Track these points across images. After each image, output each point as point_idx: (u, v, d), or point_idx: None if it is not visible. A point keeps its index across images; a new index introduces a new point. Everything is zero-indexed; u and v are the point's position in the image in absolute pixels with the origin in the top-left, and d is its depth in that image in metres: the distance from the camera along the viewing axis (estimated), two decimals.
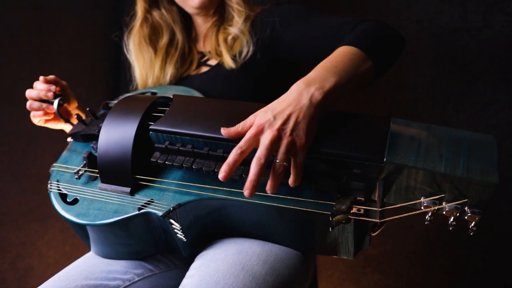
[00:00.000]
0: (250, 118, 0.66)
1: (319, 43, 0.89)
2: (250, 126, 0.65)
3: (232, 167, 0.63)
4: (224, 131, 0.68)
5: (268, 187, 0.64)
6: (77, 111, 1.00)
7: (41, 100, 0.93)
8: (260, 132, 0.63)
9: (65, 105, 0.97)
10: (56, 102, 0.91)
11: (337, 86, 0.67)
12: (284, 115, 0.63)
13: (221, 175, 0.63)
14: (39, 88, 0.92)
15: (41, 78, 0.93)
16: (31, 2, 1.30)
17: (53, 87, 0.92)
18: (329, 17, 0.91)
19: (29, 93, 0.93)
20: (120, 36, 1.14)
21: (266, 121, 0.63)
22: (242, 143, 0.64)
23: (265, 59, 0.99)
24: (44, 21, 1.34)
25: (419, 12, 1.30)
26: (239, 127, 0.67)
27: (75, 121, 0.96)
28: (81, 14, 1.44)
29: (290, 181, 0.65)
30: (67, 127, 1.00)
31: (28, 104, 0.94)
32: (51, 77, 0.94)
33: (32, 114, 0.95)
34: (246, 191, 0.63)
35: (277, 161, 0.63)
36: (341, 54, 0.74)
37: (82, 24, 1.44)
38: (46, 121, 0.97)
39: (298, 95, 0.65)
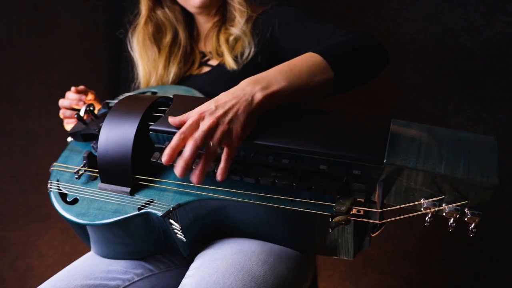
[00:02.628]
0: (196, 109, 0.69)
1: (309, 49, 0.90)
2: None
3: (175, 151, 0.66)
4: (171, 119, 0.71)
5: (193, 173, 0.67)
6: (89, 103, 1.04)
7: (73, 109, 1.01)
8: (200, 119, 0.66)
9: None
10: (83, 108, 0.92)
11: (284, 89, 0.69)
12: (226, 107, 0.66)
13: (164, 158, 0.66)
14: (71, 98, 1.02)
15: (73, 88, 1.03)
16: (31, 2, 1.30)
17: (83, 97, 1.02)
18: (324, 24, 0.91)
19: (62, 102, 1.02)
20: (124, 34, 1.14)
21: (208, 110, 0.67)
22: (184, 128, 0.67)
23: (266, 60, 1.00)
24: (44, 21, 1.34)
25: (419, 12, 1.30)
26: (183, 116, 0.70)
27: None
28: (81, 14, 1.44)
29: (218, 171, 0.68)
30: None
31: (61, 112, 1.02)
32: (81, 87, 1.04)
33: (65, 121, 1.05)
34: (176, 169, 0.65)
35: (211, 143, 0.65)
36: (302, 59, 0.75)
37: (82, 24, 1.44)
38: None
39: (242, 91, 0.68)
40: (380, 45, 0.82)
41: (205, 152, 0.66)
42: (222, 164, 0.68)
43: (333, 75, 0.74)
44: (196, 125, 0.66)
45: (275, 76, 0.70)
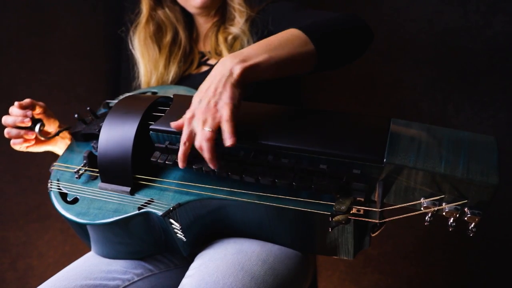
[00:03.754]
0: (188, 110, 0.69)
1: None
2: None
3: (184, 158, 0.69)
4: (173, 125, 0.71)
5: (207, 159, 0.66)
6: (58, 129, 0.97)
7: (18, 127, 0.88)
8: (192, 119, 0.67)
9: (45, 128, 0.94)
10: (37, 128, 0.88)
11: (264, 62, 0.68)
12: (208, 94, 0.66)
13: (180, 164, 0.69)
14: (15, 114, 0.88)
15: (16, 103, 0.88)
16: (31, 2, 1.30)
17: (29, 112, 0.87)
18: (316, 12, 0.91)
19: (5, 120, 0.88)
20: (125, 32, 1.15)
21: (195, 107, 0.67)
22: (183, 135, 0.68)
23: None
24: (44, 21, 1.34)
25: (419, 12, 1.30)
26: (180, 120, 0.70)
27: (64, 135, 0.97)
28: (81, 14, 1.44)
29: (225, 135, 0.65)
30: (52, 147, 0.99)
31: (5, 131, 0.89)
32: (27, 101, 0.89)
33: (11, 142, 0.90)
34: (180, 163, 0.69)
35: (206, 129, 0.65)
36: (282, 34, 0.74)
37: (82, 24, 1.44)
38: (28, 147, 0.93)
39: (221, 67, 0.67)
40: (363, 23, 0.82)
41: (203, 137, 0.66)
42: (225, 127, 0.65)
43: (314, 48, 0.73)
44: (190, 126, 0.67)
45: (254, 50, 0.70)
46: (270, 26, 0.98)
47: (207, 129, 0.65)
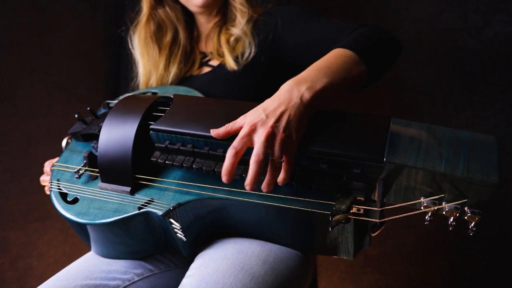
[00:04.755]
0: (240, 119, 0.67)
1: (317, 46, 0.89)
2: (240, 127, 0.66)
3: (231, 169, 0.65)
4: (214, 132, 0.69)
5: (264, 184, 0.66)
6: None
7: None
8: (253, 131, 0.64)
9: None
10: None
11: (328, 87, 0.68)
12: (277, 114, 0.64)
13: (223, 178, 0.65)
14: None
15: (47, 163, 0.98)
16: (31, 2, 1.30)
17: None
18: (329, 21, 0.91)
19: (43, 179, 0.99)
20: (125, 31, 1.14)
21: (259, 120, 0.64)
22: (235, 143, 0.64)
23: (267, 61, 0.99)
24: (44, 21, 1.34)
25: (419, 12, 1.30)
26: (228, 126, 0.68)
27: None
28: (81, 14, 1.44)
29: (280, 178, 0.66)
30: None
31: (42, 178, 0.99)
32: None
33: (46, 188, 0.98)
34: (247, 187, 0.64)
35: (274, 158, 0.64)
36: (335, 56, 0.74)
37: (82, 24, 1.44)
38: None
39: (289, 94, 0.66)
40: (392, 35, 0.84)
41: (270, 168, 0.64)
42: (283, 175, 0.65)
43: (365, 67, 0.74)
44: (248, 137, 0.64)
45: (316, 75, 0.69)
46: (280, 30, 0.97)
47: (274, 158, 0.63)
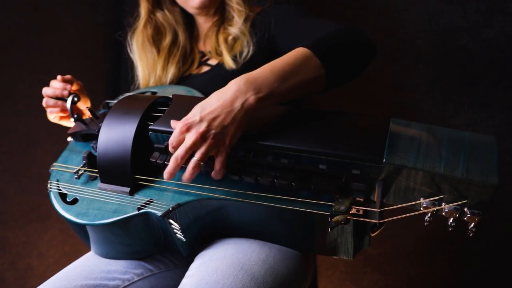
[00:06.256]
0: (184, 118, 0.69)
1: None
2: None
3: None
4: (173, 123, 0.72)
5: (183, 177, 0.69)
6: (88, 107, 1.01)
7: (57, 98, 0.95)
8: (186, 131, 0.67)
9: (78, 104, 0.98)
10: (69, 99, 0.93)
11: (277, 92, 0.68)
12: (210, 117, 0.66)
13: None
14: (55, 86, 0.95)
15: (59, 77, 0.96)
16: (31, 2, 1.30)
17: (68, 86, 0.95)
18: (319, 21, 0.90)
19: (45, 90, 0.96)
20: (124, 36, 1.14)
21: (193, 121, 0.66)
22: (171, 139, 0.68)
23: (265, 59, 0.99)
24: (44, 21, 1.34)
25: (419, 12, 1.30)
26: (176, 123, 0.70)
27: (85, 117, 0.98)
28: (81, 14, 1.44)
29: (213, 174, 0.70)
30: None
31: (44, 101, 0.96)
32: (68, 76, 0.97)
33: (48, 110, 0.98)
34: (165, 175, 0.69)
35: (195, 158, 0.67)
36: (294, 57, 0.72)
37: (82, 24, 1.44)
38: (61, 118, 1.00)
39: (233, 97, 0.66)
40: (366, 38, 0.80)
41: (190, 163, 0.67)
42: (216, 167, 0.69)
43: (324, 71, 0.72)
44: (181, 136, 0.67)
45: (268, 78, 0.69)
46: (272, 30, 0.97)
47: (196, 158, 0.67)
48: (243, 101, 0.66)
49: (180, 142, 0.67)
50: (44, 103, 0.97)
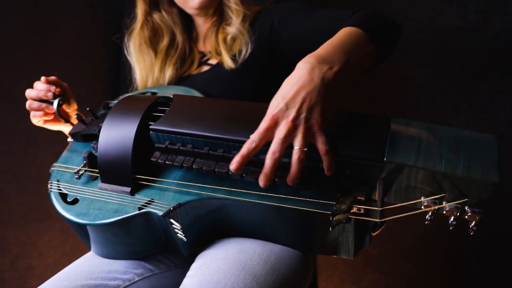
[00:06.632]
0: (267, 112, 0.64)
1: (317, 36, 0.88)
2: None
3: (245, 159, 0.62)
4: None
5: (289, 178, 0.63)
6: (76, 113, 1.00)
7: (41, 100, 0.91)
8: (274, 125, 0.62)
9: (64, 106, 0.96)
10: (55, 102, 0.90)
11: (348, 66, 0.66)
12: (297, 102, 0.61)
13: (232, 166, 0.63)
14: (39, 88, 0.91)
15: (42, 78, 0.92)
16: (31, 2, 1.30)
17: (53, 88, 0.91)
18: (327, 11, 0.91)
19: (28, 92, 0.92)
20: (121, 38, 1.14)
21: (279, 111, 0.61)
22: (255, 136, 0.62)
23: (265, 58, 1.00)
24: (44, 21, 1.34)
25: (419, 12, 1.30)
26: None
27: (74, 121, 0.96)
28: (81, 14, 1.44)
29: (327, 168, 0.63)
30: (66, 128, 1.00)
31: (27, 103, 0.92)
32: (52, 78, 0.93)
33: (32, 114, 0.94)
34: (261, 183, 0.63)
35: (296, 147, 0.61)
36: (346, 34, 0.72)
37: (82, 24, 1.44)
38: (45, 121, 0.96)
39: (310, 75, 0.63)
40: (393, 19, 0.82)
41: (293, 159, 0.62)
42: (322, 149, 0.62)
43: (375, 46, 0.73)
44: (268, 132, 0.62)
45: (333, 52, 0.66)
46: (277, 25, 0.97)
47: (297, 147, 0.60)
48: (321, 76, 0.63)
49: (265, 140, 0.62)
50: (27, 106, 0.92)
